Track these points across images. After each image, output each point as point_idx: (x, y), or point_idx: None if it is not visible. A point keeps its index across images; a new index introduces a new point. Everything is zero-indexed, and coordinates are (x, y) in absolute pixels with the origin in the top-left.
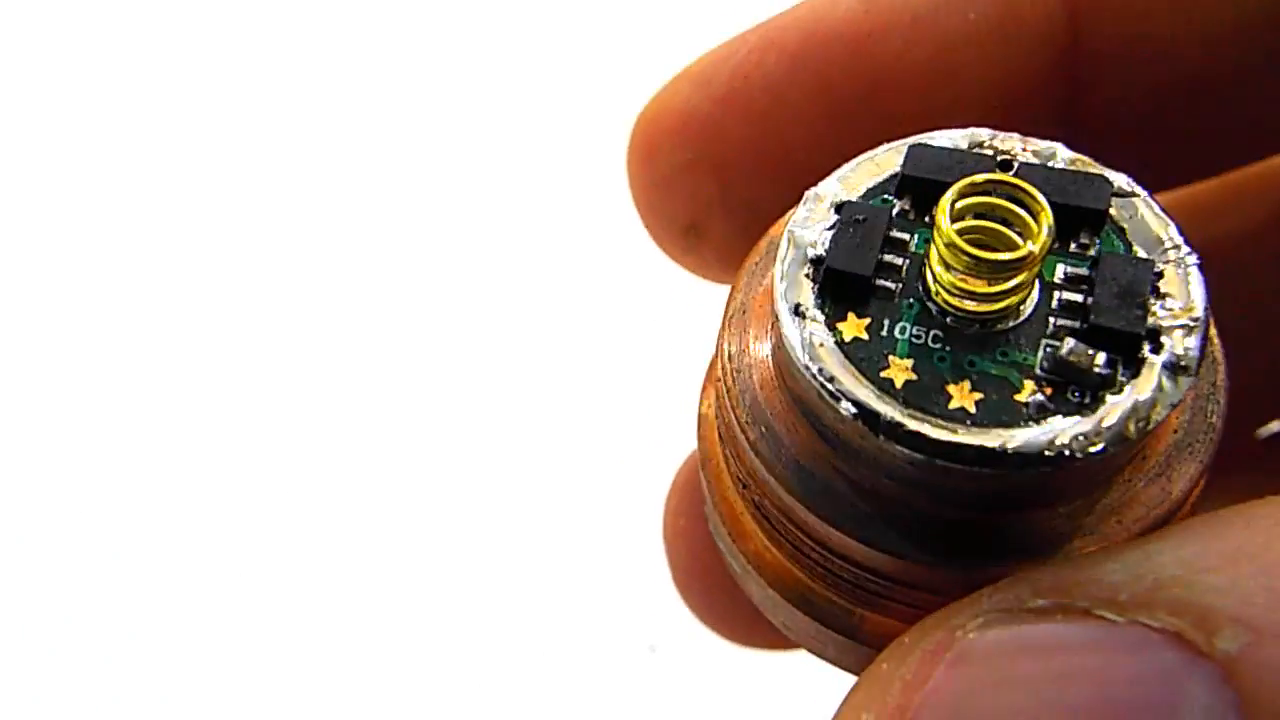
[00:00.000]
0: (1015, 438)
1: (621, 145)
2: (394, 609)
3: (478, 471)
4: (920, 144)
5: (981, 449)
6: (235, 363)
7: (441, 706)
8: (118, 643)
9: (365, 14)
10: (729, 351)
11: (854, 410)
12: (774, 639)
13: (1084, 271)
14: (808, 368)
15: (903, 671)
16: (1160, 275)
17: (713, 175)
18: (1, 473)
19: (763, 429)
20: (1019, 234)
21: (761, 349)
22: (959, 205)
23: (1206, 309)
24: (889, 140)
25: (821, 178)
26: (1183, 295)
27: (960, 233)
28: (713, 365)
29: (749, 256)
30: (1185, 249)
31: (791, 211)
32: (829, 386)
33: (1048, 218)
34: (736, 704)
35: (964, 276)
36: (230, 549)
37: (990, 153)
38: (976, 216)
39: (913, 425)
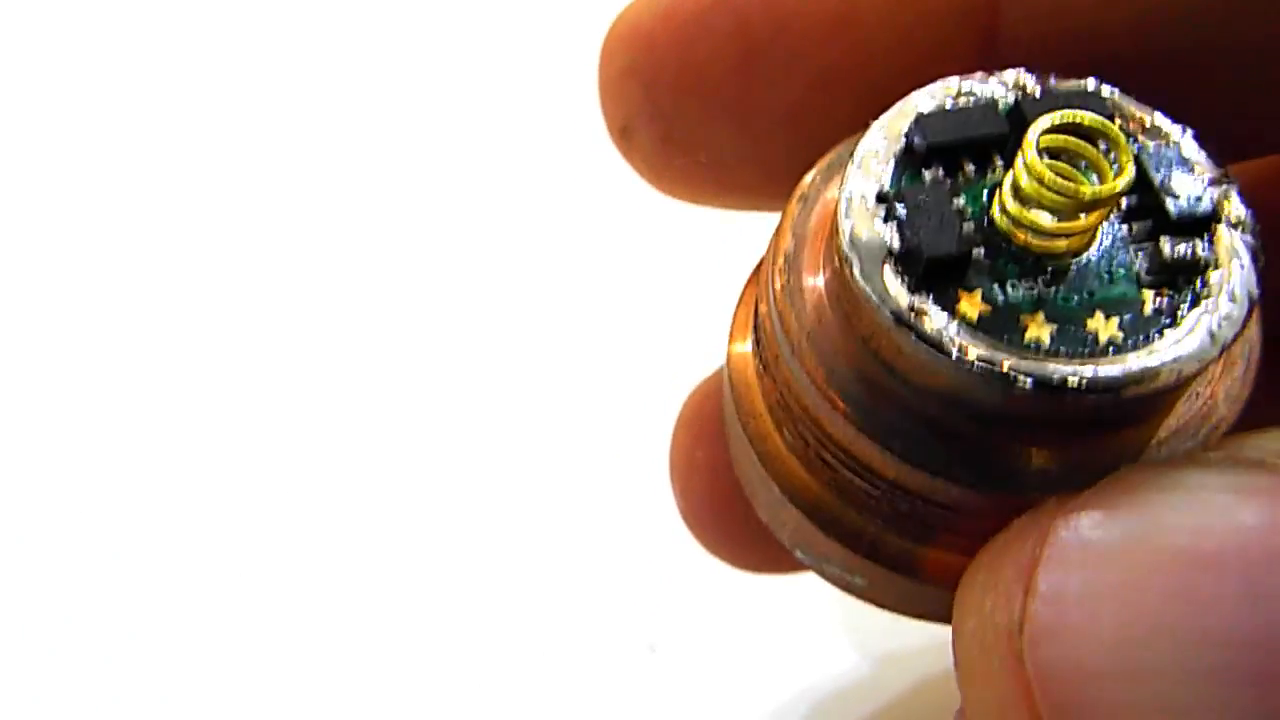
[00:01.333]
0: (1180, 344)
1: None
2: (392, 609)
3: (475, 470)
4: (922, 114)
5: (1166, 365)
6: (227, 357)
7: (441, 706)
8: (118, 643)
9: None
10: (812, 380)
11: (1032, 381)
12: (781, 562)
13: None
14: (962, 361)
15: (1053, 504)
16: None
17: (640, 85)
18: (1, 473)
19: (907, 431)
20: (1087, 169)
21: (851, 366)
22: (1043, 140)
23: (1222, 166)
24: (794, 75)
25: (735, 105)
26: (1200, 164)
27: (1038, 173)
28: (755, 414)
29: (764, 263)
30: (1170, 122)
31: (789, 212)
32: (998, 370)
33: (1127, 145)
34: (736, 704)
35: (1054, 219)
36: (229, 548)
37: (973, 98)
38: (1048, 157)
39: (1099, 373)
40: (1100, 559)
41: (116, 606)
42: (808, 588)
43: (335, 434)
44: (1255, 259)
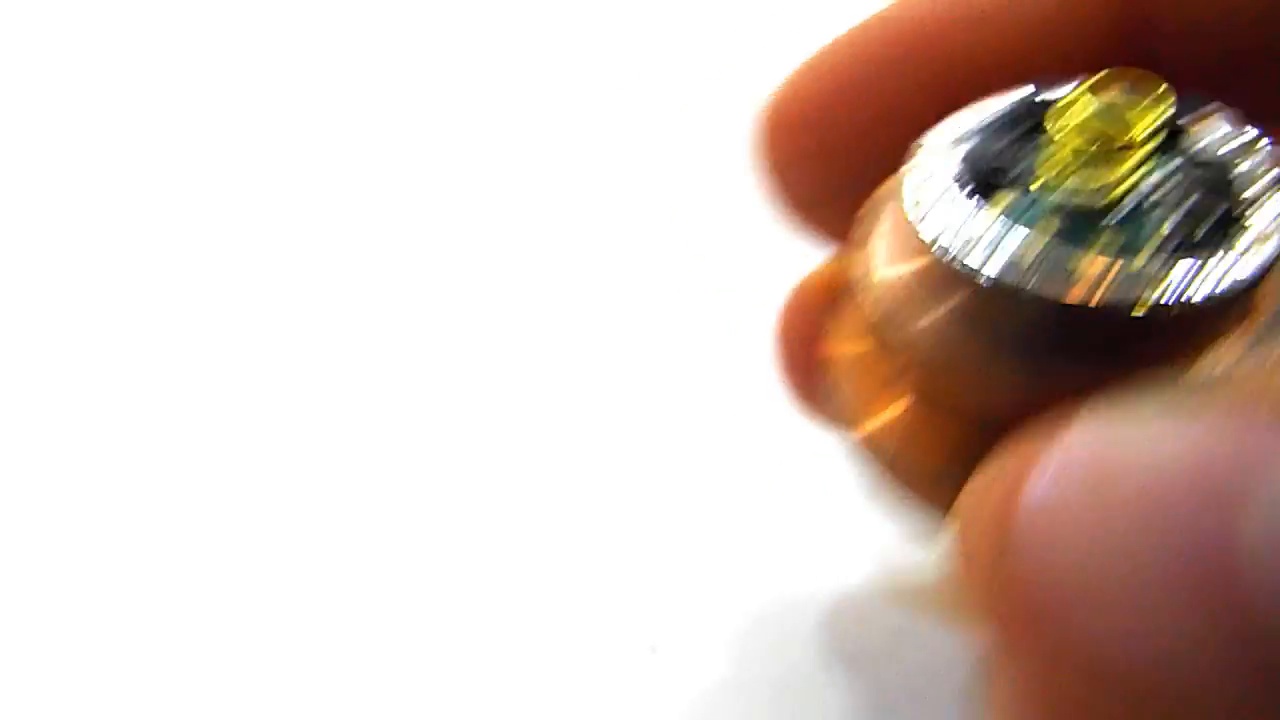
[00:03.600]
0: (1239, 246)
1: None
2: (392, 609)
3: (477, 471)
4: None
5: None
6: (240, 367)
7: (441, 706)
8: (118, 643)
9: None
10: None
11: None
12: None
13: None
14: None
15: (1031, 434)
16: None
17: (823, 161)
18: (1, 472)
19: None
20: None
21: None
22: (1089, 87)
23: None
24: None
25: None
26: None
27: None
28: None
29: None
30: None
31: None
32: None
33: (1167, 95)
34: (736, 704)
35: (1095, 169)
36: (233, 550)
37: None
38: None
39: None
40: (1073, 493)
41: (116, 606)
42: (808, 588)
43: (335, 434)
44: None
